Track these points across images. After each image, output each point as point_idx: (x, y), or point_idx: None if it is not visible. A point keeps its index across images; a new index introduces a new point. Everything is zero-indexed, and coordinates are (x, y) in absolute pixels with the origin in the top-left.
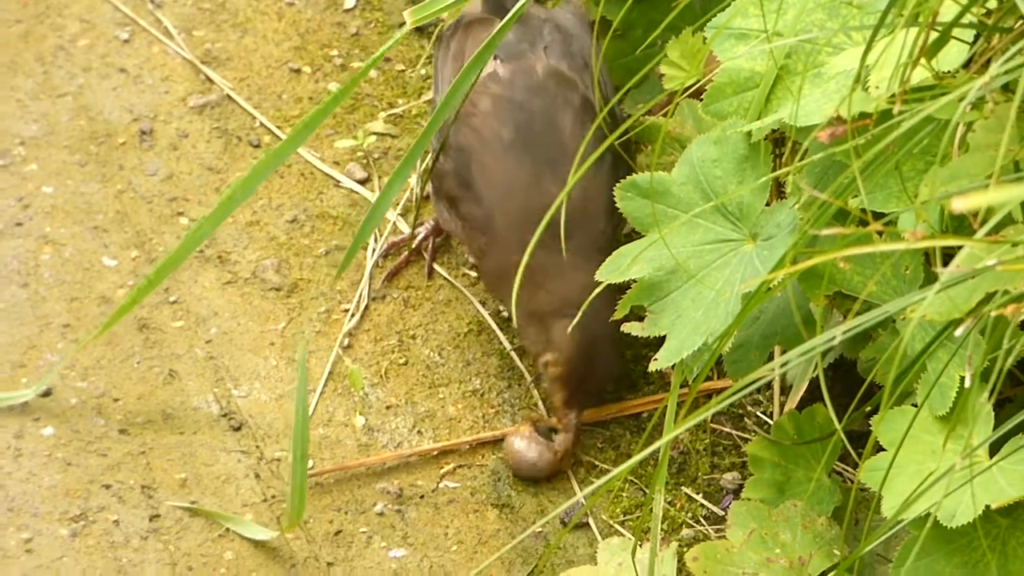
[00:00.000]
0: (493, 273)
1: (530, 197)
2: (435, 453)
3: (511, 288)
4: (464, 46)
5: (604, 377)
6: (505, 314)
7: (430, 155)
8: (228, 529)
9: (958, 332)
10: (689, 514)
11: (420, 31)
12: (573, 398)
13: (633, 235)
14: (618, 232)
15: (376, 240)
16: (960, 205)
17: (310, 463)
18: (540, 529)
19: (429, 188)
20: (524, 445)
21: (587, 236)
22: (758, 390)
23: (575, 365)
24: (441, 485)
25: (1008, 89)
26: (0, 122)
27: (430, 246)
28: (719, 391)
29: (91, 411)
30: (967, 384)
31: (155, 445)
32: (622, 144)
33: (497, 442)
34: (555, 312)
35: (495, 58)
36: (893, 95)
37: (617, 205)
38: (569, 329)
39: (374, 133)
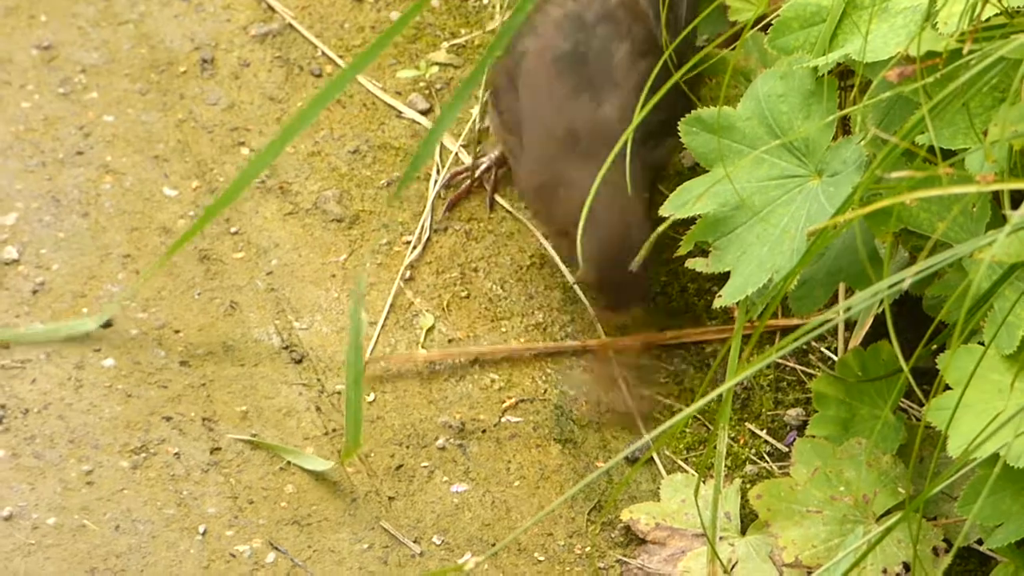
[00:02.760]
0: (521, 180)
1: (562, 109)
2: (499, 386)
3: (538, 199)
4: None
5: (639, 284)
6: None
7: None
8: (289, 462)
9: None
10: (753, 450)
11: None
12: (618, 306)
13: (698, 169)
14: (656, 167)
15: (438, 172)
16: None
17: (372, 396)
18: (603, 465)
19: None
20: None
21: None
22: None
23: (604, 274)
24: (503, 419)
25: None
26: (61, 49)
27: (492, 177)
28: (783, 328)
29: (152, 343)
30: None
31: (216, 377)
32: (685, 80)
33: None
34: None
35: None
36: (963, 34)
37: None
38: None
39: (437, 63)
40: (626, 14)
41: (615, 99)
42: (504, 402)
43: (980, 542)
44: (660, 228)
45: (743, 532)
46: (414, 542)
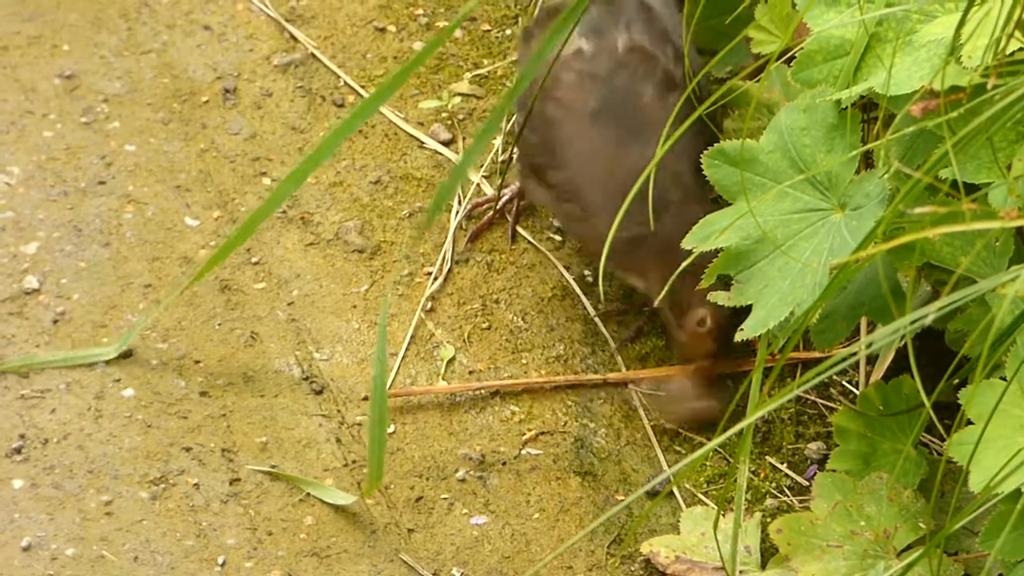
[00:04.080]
0: (596, 239)
1: (615, 164)
2: (519, 418)
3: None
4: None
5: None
6: (590, 279)
7: (514, 120)
8: (308, 494)
9: None
10: (773, 484)
11: None
12: (721, 350)
13: (720, 202)
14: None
15: (460, 203)
16: None
17: (392, 427)
18: (622, 498)
19: (514, 154)
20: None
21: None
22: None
23: (726, 319)
24: (523, 452)
25: None
26: (84, 79)
27: (514, 209)
28: (804, 361)
29: (172, 372)
30: None
31: (236, 408)
32: (707, 113)
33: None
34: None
35: (579, 35)
36: (987, 68)
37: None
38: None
39: (459, 94)
40: (638, 58)
41: (658, 140)
42: (524, 434)
43: None
44: (686, 262)
45: (763, 566)
46: (433, 575)
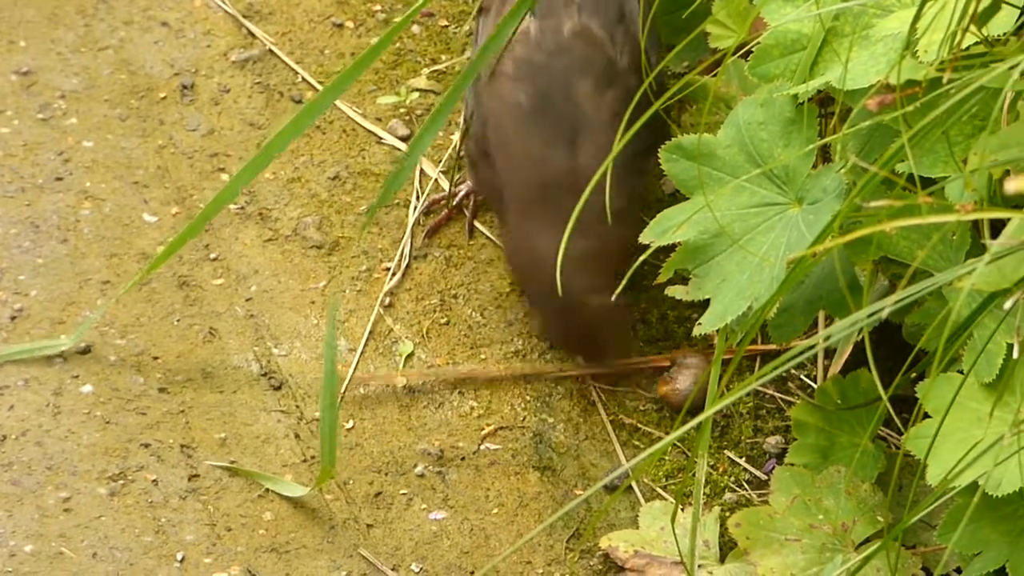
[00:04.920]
0: (507, 248)
1: (542, 169)
2: (478, 413)
3: (525, 269)
4: (503, 9)
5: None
6: None
7: (463, 112)
8: (267, 490)
9: (1007, 305)
10: (732, 478)
11: None
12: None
13: (678, 196)
14: (634, 202)
15: (418, 198)
16: (1013, 187)
17: (350, 423)
18: (581, 492)
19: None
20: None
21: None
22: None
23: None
24: (482, 447)
25: None
26: (41, 75)
27: (471, 204)
28: (762, 353)
29: (130, 369)
30: (1015, 354)
31: (194, 404)
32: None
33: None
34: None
35: (531, 15)
36: (943, 62)
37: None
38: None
39: (417, 90)
40: (582, 44)
41: (590, 143)
42: (483, 429)
43: (959, 571)
44: (643, 256)
45: (722, 560)
46: (392, 570)
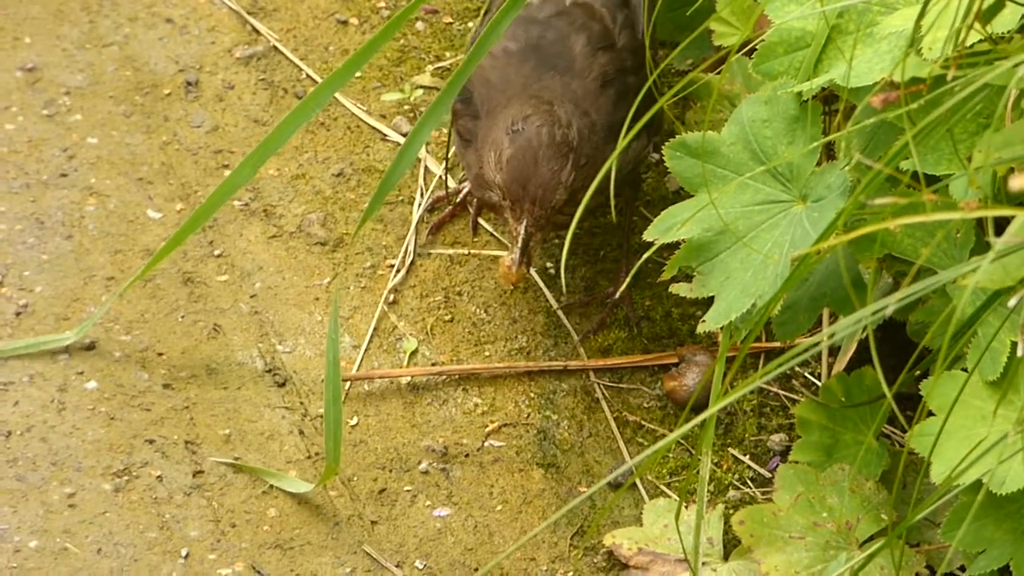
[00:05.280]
0: (484, 161)
1: (526, 85)
2: (482, 410)
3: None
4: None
5: (548, 184)
6: (552, 271)
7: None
8: (272, 486)
9: (1011, 302)
10: (736, 476)
11: None
12: (518, 207)
13: (682, 193)
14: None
15: (422, 195)
16: (1017, 184)
17: (355, 420)
18: (585, 489)
19: None
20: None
21: (572, 85)
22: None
23: (513, 171)
24: (486, 444)
25: None
26: (46, 72)
27: (476, 201)
28: (766, 351)
29: (135, 365)
30: (1020, 352)
31: (199, 400)
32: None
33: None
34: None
35: None
36: (947, 60)
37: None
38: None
39: (421, 86)
40: (581, 12)
41: (577, 82)
42: (487, 426)
43: (963, 569)
44: (647, 254)
45: (726, 558)
46: (396, 566)
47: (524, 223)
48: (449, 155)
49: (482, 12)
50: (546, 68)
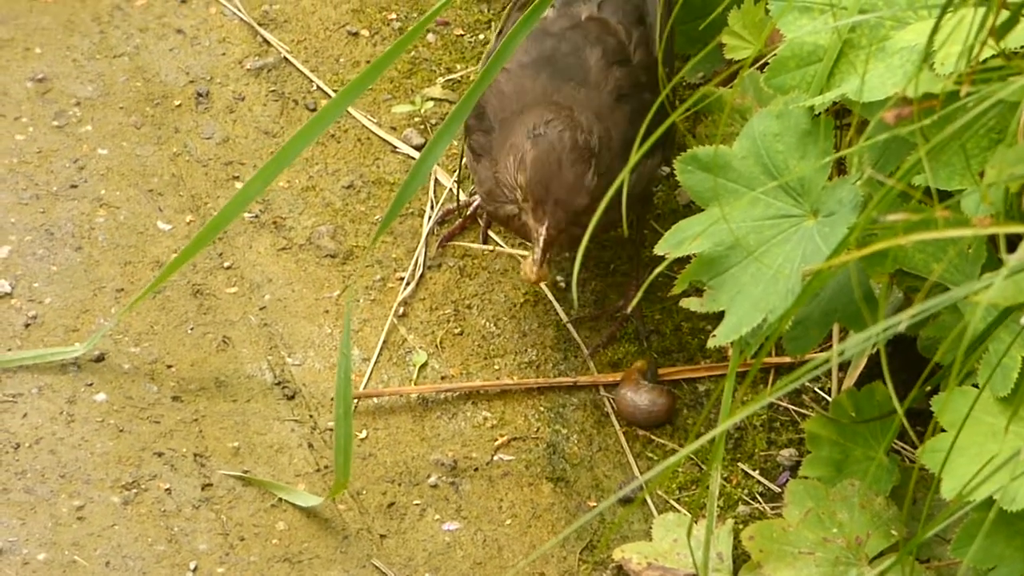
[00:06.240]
0: (496, 159)
1: (541, 96)
2: (492, 424)
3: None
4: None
5: (572, 187)
6: (562, 284)
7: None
8: (281, 499)
9: (1023, 319)
10: (745, 491)
11: None
12: (540, 209)
13: (693, 207)
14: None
15: (432, 208)
16: None
17: (364, 433)
18: (595, 504)
19: None
20: (635, 394)
21: (588, 96)
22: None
23: (537, 172)
24: (496, 458)
25: None
26: (56, 82)
27: (486, 214)
28: (777, 366)
29: (144, 377)
30: None
31: (208, 413)
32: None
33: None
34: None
35: (552, 8)
36: (960, 75)
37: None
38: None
39: (432, 98)
40: (596, 26)
41: (591, 94)
42: (496, 440)
43: None
44: (659, 268)
45: (735, 573)
46: None
47: (546, 224)
48: (460, 167)
49: (495, 32)
50: (562, 79)
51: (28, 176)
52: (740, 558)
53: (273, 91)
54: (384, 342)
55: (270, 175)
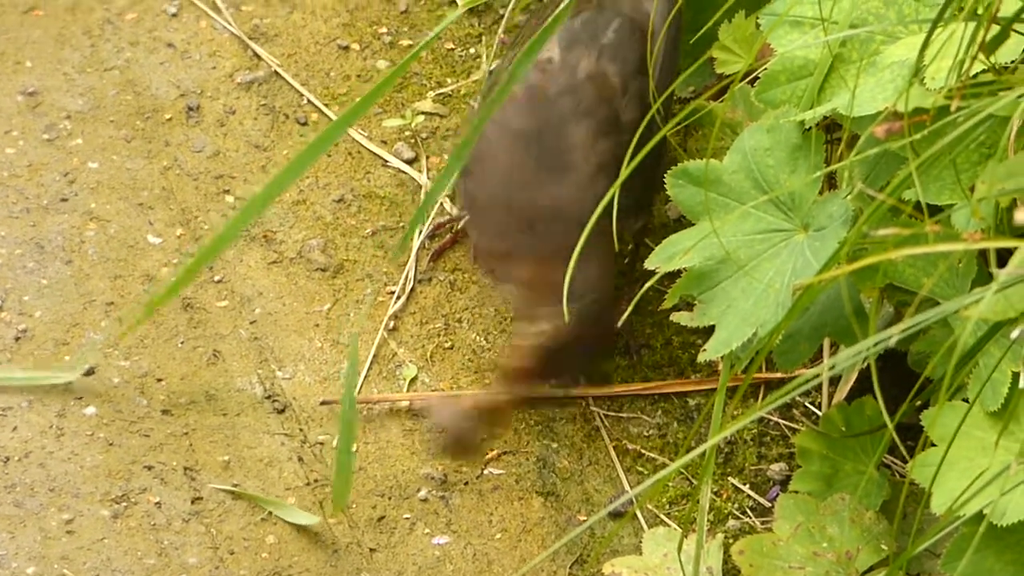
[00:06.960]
0: (479, 249)
1: (516, 190)
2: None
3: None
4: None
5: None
6: None
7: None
8: (270, 513)
9: (1013, 334)
10: (735, 505)
11: (471, 10)
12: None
13: (684, 221)
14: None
15: (423, 222)
16: (1021, 216)
17: (353, 446)
18: (585, 518)
19: None
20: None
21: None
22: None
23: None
24: (486, 472)
25: None
26: (47, 96)
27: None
28: (767, 381)
29: (134, 391)
30: (1022, 383)
31: (198, 426)
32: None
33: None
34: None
35: (556, 42)
36: (951, 90)
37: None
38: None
39: (422, 113)
40: (593, 89)
41: (572, 183)
42: (486, 454)
43: None
44: (649, 282)
45: None
46: None
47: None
48: (451, 183)
49: (481, 95)
50: (545, 170)
51: (18, 189)
52: (730, 572)
53: (264, 105)
54: (374, 356)
55: (266, 200)
